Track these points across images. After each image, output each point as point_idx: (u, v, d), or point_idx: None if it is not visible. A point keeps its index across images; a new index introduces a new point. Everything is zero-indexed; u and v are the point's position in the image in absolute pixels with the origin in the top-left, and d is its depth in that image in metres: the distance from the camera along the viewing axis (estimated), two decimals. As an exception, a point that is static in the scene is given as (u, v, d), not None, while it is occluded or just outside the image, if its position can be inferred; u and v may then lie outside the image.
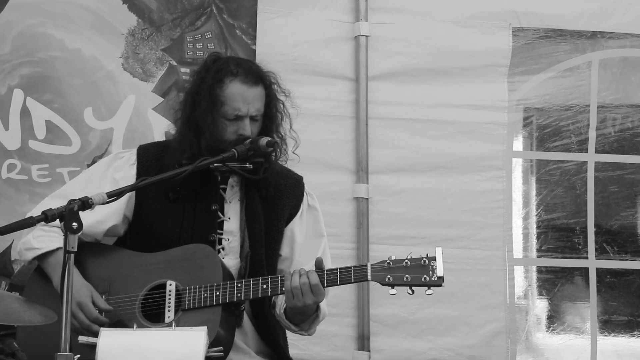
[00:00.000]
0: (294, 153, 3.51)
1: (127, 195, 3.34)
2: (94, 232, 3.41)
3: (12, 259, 4.28)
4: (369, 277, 3.17)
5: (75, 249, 2.77)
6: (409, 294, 3.15)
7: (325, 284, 3.22)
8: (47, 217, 2.81)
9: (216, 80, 3.38)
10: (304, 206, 3.56)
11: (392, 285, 3.15)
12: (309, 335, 3.49)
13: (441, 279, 3.13)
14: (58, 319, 2.79)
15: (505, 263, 4.64)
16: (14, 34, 4.34)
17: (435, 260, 3.15)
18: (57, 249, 3.31)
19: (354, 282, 3.37)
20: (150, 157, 3.47)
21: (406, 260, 3.16)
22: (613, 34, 4.76)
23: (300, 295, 3.22)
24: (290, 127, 3.49)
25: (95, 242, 3.46)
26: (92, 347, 2.93)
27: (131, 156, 3.48)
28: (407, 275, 3.14)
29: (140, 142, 4.23)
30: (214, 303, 3.24)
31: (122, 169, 3.45)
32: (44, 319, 2.96)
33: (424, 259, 3.15)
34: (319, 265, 3.26)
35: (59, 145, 4.38)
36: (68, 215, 2.78)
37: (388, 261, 3.17)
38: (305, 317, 3.36)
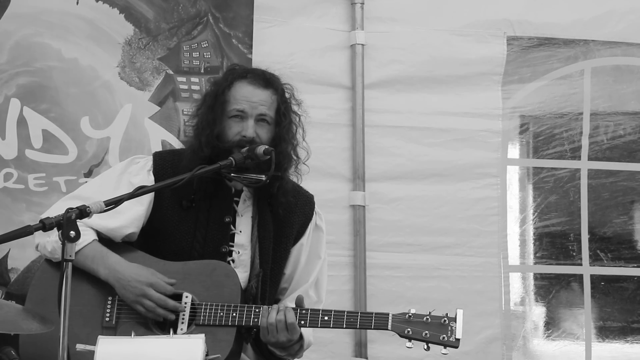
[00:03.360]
0: (304, 164, 3.50)
1: (148, 202, 3.37)
2: (114, 236, 3.39)
3: (9, 267, 4.28)
4: (389, 327, 3.21)
5: (73, 257, 2.76)
6: (425, 349, 3.20)
7: (307, 324, 3.24)
8: (44, 225, 2.79)
9: (227, 82, 3.40)
10: (311, 226, 3.57)
11: (410, 339, 3.19)
12: (297, 358, 3.50)
13: (458, 341, 3.18)
14: (56, 327, 2.79)
15: (501, 270, 4.66)
16: (11, 43, 4.33)
17: (455, 321, 3.19)
18: (92, 241, 3.31)
19: (374, 329, 3.32)
20: (166, 164, 3.45)
21: (427, 317, 3.20)
22: (606, 43, 4.78)
23: (275, 331, 3.23)
24: (303, 139, 3.49)
25: (114, 242, 3.43)
26: (90, 354, 2.93)
27: (147, 162, 3.47)
28: (426, 332, 3.18)
29: (137, 151, 4.29)
30: (229, 324, 3.24)
31: (139, 174, 3.43)
32: (42, 328, 2.96)
33: (445, 318, 3.19)
34: (299, 303, 3.29)
35: (56, 154, 4.37)
36: (66, 224, 2.77)
37: (409, 314, 3.21)
38: (286, 349, 3.36)
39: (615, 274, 4.82)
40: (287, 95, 3.46)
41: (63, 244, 2.76)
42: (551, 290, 4.79)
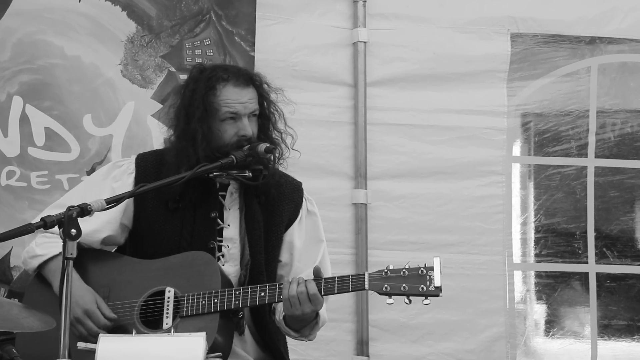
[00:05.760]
0: (293, 149, 3.50)
1: (124, 204, 3.34)
2: (90, 241, 3.40)
3: (12, 265, 4.29)
4: (367, 286, 3.16)
5: (74, 256, 2.78)
6: (406, 303, 3.15)
7: (322, 293, 3.22)
8: (45, 223, 2.82)
9: (208, 88, 3.38)
10: (302, 212, 3.56)
11: (390, 295, 3.15)
12: (309, 340, 3.49)
13: (438, 289, 3.11)
14: (57, 325, 2.80)
15: (505, 268, 4.65)
16: (13, 40, 4.35)
17: (432, 270, 3.12)
18: (59, 254, 3.30)
19: (352, 291, 3.36)
20: (148, 165, 3.46)
21: (404, 270, 3.15)
22: (612, 39, 4.76)
23: (298, 304, 3.21)
24: (285, 124, 3.49)
25: (95, 248, 3.46)
26: (91, 353, 2.93)
27: (130, 165, 3.48)
28: (404, 285, 3.12)
29: (140, 149, 4.28)
30: (212, 310, 3.24)
31: (120, 179, 3.44)
32: (43, 326, 2.96)
33: (422, 268, 3.14)
34: (317, 274, 3.25)
35: (58, 152, 4.38)
36: (67, 222, 2.79)
37: (386, 270, 3.16)
38: (305, 323, 3.35)
39: (621, 272, 4.80)
40: (264, 85, 3.46)
41: (64, 242, 2.78)
42: (556, 288, 4.77)
